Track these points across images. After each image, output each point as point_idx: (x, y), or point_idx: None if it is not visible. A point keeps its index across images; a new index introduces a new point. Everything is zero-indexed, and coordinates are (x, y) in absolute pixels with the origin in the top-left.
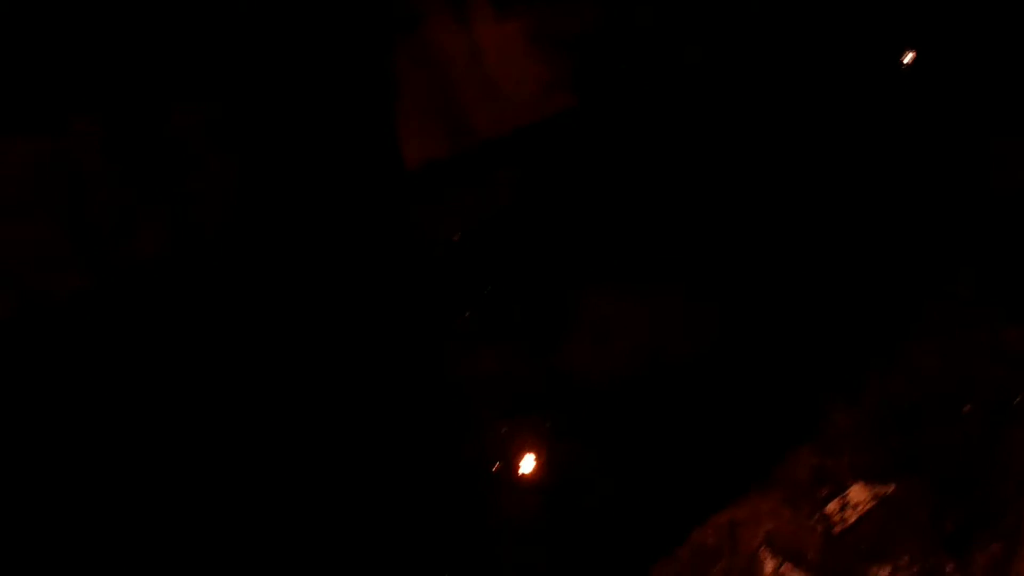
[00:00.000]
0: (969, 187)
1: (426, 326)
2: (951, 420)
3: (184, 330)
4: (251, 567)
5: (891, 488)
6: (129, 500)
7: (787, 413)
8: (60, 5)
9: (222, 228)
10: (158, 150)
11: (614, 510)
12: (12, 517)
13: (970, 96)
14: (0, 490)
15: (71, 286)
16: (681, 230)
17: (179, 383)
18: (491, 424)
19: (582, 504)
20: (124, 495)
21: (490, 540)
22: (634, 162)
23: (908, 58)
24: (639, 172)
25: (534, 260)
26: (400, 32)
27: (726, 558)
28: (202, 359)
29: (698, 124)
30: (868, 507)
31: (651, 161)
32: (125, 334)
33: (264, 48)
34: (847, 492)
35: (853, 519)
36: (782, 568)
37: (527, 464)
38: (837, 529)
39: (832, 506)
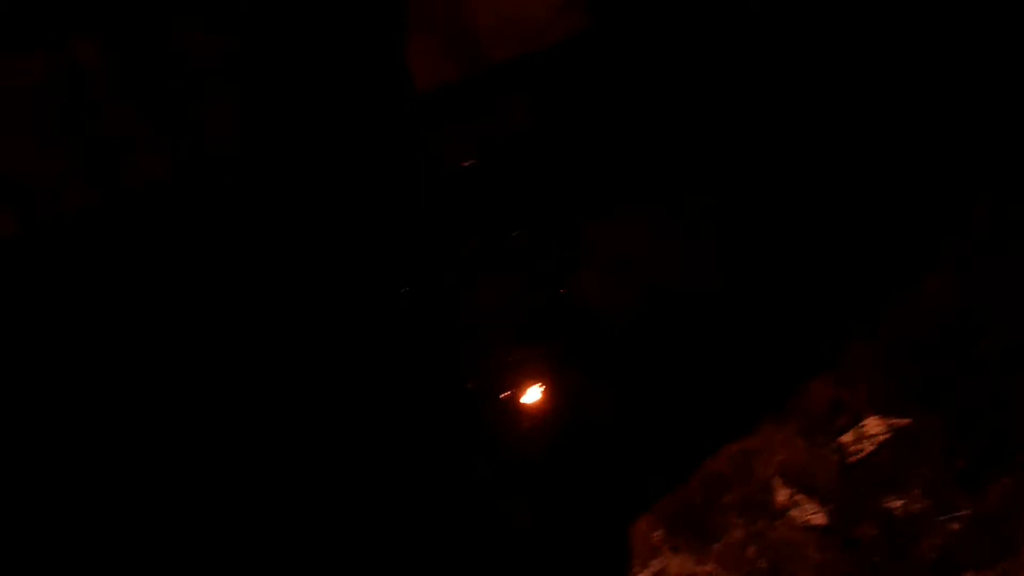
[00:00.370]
0: (989, 115)
1: (434, 253)
2: (967, 355)
3: (190, 253)
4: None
5: (907, 421)
6: (130, 429)
7: (803, 346)
8: None
9: (229, 150)
10: (164, 71)
11: (623, 440)
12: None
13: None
14: None
15: (76, 204)
16: (700, 160)
17: (183, 305)
18: (499, 354)
19: (590, 434)
20: (126, 427)
21: (497, 469)
22: (651, 86)
23: None
24: (656, 97)
25: (547, 188)
26: None
27: (738, 487)
28: (207, 281)
29: (717, 45)
30: (884, 439)
31: (668, 85)
32: (130, 257)
33: None
34: (863, 423)
35: (868, 450)
36: (795, 497)
37: (534, 394)
38: (852, 460)
39: (847, 437)
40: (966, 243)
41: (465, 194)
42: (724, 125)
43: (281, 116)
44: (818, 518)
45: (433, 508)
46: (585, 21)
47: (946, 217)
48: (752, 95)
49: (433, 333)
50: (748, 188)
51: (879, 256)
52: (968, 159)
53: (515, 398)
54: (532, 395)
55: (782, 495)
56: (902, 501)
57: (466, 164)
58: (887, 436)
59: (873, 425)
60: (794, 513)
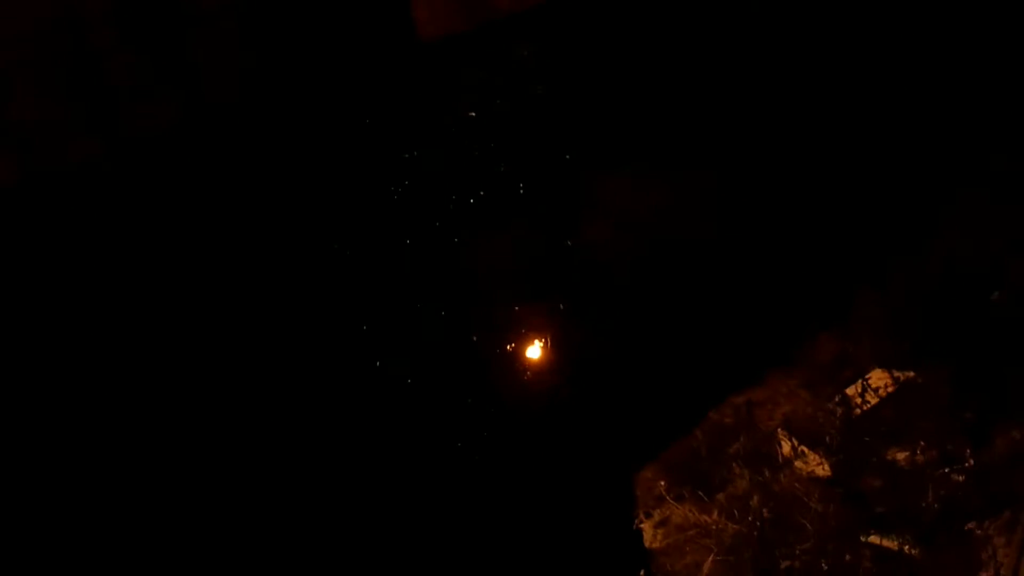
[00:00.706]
0: (1003, 71)
1: (438, 204)
2: (978, 307)
3: (195, 200)
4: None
5: (912, 374)
6: (128, 377)
7: (810, 299)
8: None
9: (234, 100)
10: (167, 19)
11: (630, 391)
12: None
13: None
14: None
15: (80, 154)
16: (707, 113)
17: (188, 252)
18: (504, 305)
19: (596, 386)
20: (124, 375)
21: (504, 421)
22: (658, 39)
23: None
24: (663, 49)
25: (553, 140)
26: None
27: (743, 438)
28: (213, 229)
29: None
30: (889, 391)
31: (676, 38)
32: (134, 205)
33: None
34: (868, 376)
35: (873, 402)
36: (800, 448)
37: (540, 345)
38: (856, 412)
39: (852, 389)
40: (981, 195)
41: (470, 145)
42: (734, 79)
43: (283, 66)
44: (822, 469)
45: (438, 459)
46: None
47: (961, 169)
48: (764, 46)
49: (437, 285)
50: (758, 144)
51: (890, 208)
52: (985, 110)
53: (521, 350)
54: (538, 346)
55: (786, 446)
56: (906, 453)
57: (471, 115)
58: (892, 389)
59: (878, 377)
60: (798, 464)
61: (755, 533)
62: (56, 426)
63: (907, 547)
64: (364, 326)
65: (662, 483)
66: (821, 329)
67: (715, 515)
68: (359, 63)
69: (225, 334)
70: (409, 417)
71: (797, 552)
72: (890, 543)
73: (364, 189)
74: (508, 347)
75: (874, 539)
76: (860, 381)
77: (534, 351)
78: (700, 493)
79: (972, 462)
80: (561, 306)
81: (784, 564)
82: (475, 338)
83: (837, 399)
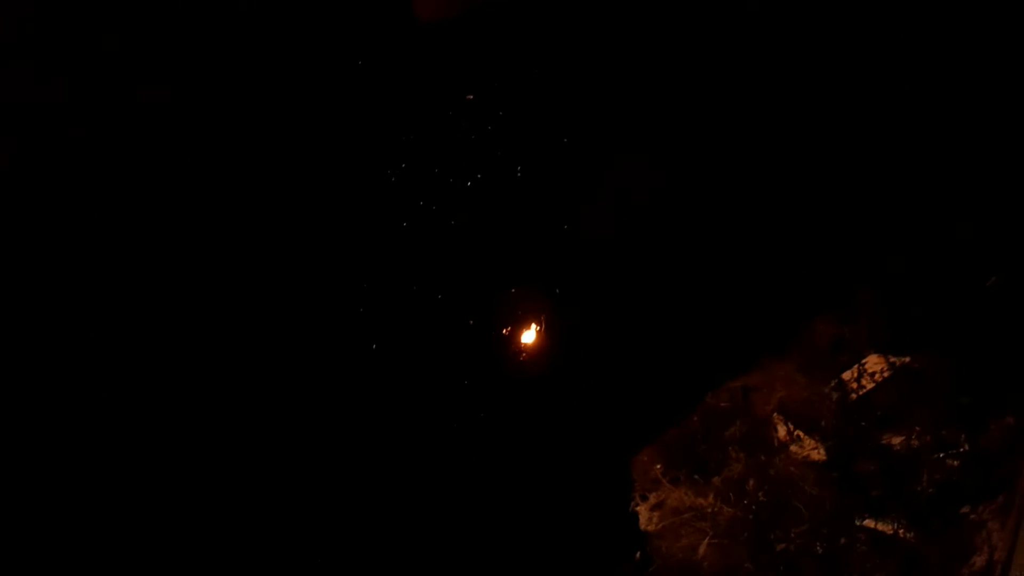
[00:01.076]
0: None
1: (435, 188)
2: (975, 293)
3: (189, 180)
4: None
5: (908, 359)
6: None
7: (807, 283)
8: None
9: (226, 80)
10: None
11: (627, 375)
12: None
13: None
14: None
15: (73, 135)
16: (711, 99)
17: (184, 234)
18: (501, 289)
19: (595, 369)
20: (124, 351)
21: (501, 405)
22: (661, 25)
23: None
24: (665, 36)
25: (551, 124)
26: None
27: (739, 422)
28: (208, 210)
29: None
30: (885, 376)
31: (679, 25)
32: (126, 185)
33: None
34: (864, 361)
35: (869, 387)
36: (795, 432)
37: (537, 328)
38: (852, 397)
39: (848, 374)
40: (984, 182)
41: (467, 128)
42: (734, 62)
43: (279, 46)
44: (817, 453)
45: (435, 443)
46: None
47: (964, 155)
48: (768, 37)
49: (434, 269)
50: (756, 132)
51: (887, 194)
52: (989, 103)
53: (518, 334)
54: (535, 331)
55: (782, 431)
56: (902, 438)
57: (469, 97)
58: (888, 374)
59: (874, 363)
60: (794, 448)
61: (750, 516)
62: (53, 422)
63: (902, 531)
64: (360, 308)
65: (658, 466)
66: (818, 314)
67: (711, 498)
68: (356, 44)
69: (219, 314)
70: (406, 401)
71: (792, 535)
72: (885, 527)
73: (361, 172)
74: (505, 331)
75: (869, 523)
76: (856, 366)
77: (531, 336)
78: (696, 476)
79: (967, 447)
80: (558, 291)
81: (779, 547)
82: (472, 322)
83: (833, 384)
